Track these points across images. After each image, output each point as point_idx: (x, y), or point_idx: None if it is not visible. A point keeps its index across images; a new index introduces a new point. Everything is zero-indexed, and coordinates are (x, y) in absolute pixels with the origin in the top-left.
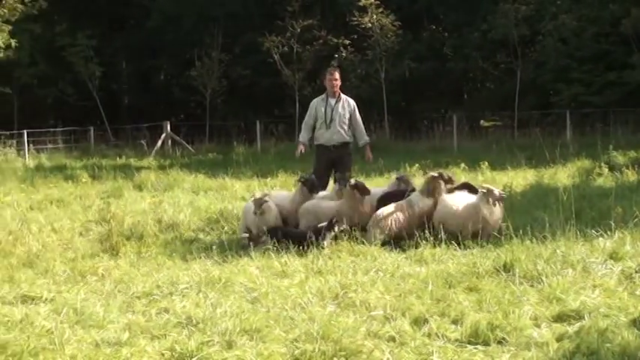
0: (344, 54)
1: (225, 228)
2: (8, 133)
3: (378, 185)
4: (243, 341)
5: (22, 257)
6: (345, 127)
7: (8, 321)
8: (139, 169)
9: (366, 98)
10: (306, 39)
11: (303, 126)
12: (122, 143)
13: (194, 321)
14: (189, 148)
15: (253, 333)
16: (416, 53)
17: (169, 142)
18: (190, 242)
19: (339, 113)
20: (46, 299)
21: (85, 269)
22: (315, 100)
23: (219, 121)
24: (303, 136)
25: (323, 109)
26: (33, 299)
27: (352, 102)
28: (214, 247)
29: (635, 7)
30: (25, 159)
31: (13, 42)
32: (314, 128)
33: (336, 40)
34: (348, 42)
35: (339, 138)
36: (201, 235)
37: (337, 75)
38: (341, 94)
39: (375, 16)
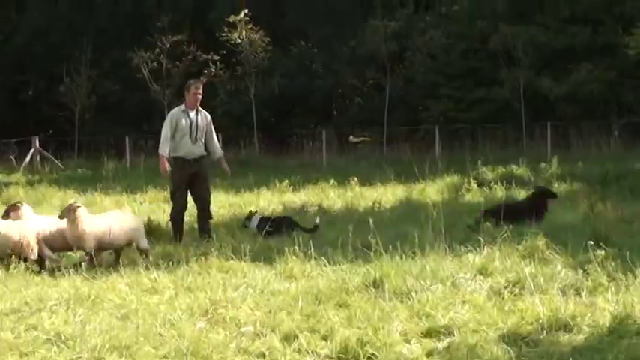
0: (213, 70)
1: None
2: None
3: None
4: (113, 358)
5: None
6: (203, 140)
7: None
8: (7, 184)
9: (235, 114)
10: (175, 54)
11: (162, 138)
12: None
13: (63, 337)
14: (58, 163)
15: (123, 349)
16: (286, 69)
17: (38, 157)
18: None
19: (201, 126)
20: None
21: None
22: (173, 112)
23: (88, 137)
24: (164, 150)
25: (184, 122)
26: None
27: (208, 115)
28: (83, 263)
29: (504, 23)
30: None
31: None
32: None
33: (205, 56)
34: (217, 58)
35: (200, 151)
36: (70, 251)
37: (200, 88)
38: (199, 107)
39: (244, 32)
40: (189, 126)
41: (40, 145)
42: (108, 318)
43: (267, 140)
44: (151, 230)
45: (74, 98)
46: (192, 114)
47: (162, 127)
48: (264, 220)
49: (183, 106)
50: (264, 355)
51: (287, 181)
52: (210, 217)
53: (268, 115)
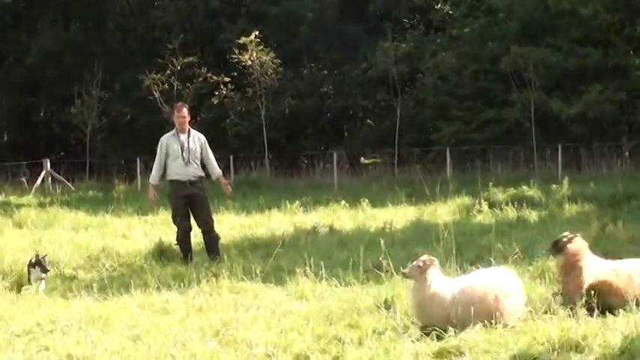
0: (224, 91)
1: (106, 265)
2: None
3: (259, 223)
4: None
5: None
6: (198, 162)
7: None
8: (18, 206)
9: (246, 135)
10: (186, 76)
11: (154, 165)
12: (1, 180)
13: (75, 358)
14: (70, 185)
15: None
16: (296, 91)
17: (49, 179)
18: (71, 279)
19: (192, 148)
20: None
21: None
22: (164, 137)
23: (99, 159)
24: (154, 176)
25: (175, 146)
26: None
27: (202, 137)
28: (95, 284)
29: (514, 44)
30: None
31: None
32: (165, 166)
33: (216, 78)
34: (228, 79)
35: (195, 173)
36: (81, 273)
37: (185, 111)
38: (190, 129)
39: (255, 54)
40: (180, 149)
41: (51, 167)
42: (119, 339)
43: (277, 161)
44: (162, 251)
45: (85, 120)
46: (182, 137)
47: None
48: None
49: (174, 131)
50: None
51: (298, 202)
52: (217, 237)
53: (279, 136)
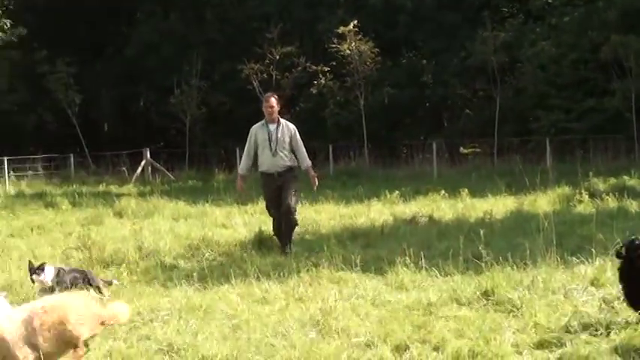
0: (323, 81)
1: (206, 255)
2: None
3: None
4: None
5: (2, 284)
6: (287, 152)
7: None
8: (119, 195)
9: (345, 125)
10: (285, 66)
11: (244, 155)
12: (102, 170)
13: (175, 347)
14: (169, 175)
15: None
16: (395, 80)
17: (149, 168)
18: (171, 269)
19: (278, 139)
20: None
21: None
22: (254, 127)
23: (199, 148)
24: (242, 167)
25: (264, 136)
26: None
27: (292, 126)
28: (195, 273)
29: (614, 33)
30: (5, 186)
31: None
32: (256, 155)
33: (315, 67)
34: (327, 69)
35: (283, 163)
36: (181, 262)
37: (273, 101)
38: (280, 119)
39: (353, 43)
40: (268, 139)
41: (151, 157)
42: (219, 328)
43: (377, 151)
44: (262, 241)
45: (184, 110)
46: (272, 127)
47: None
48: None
49: (263, 121)
50: None
51: (397, 192)
52: (293, 223)
53: (378, 126)
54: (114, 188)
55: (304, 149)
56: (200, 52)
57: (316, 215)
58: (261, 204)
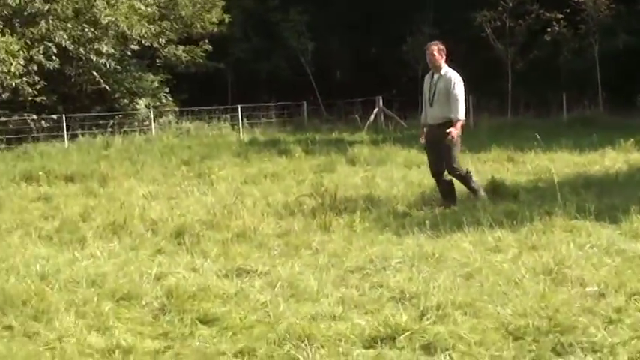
0: (557, 28)
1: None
2: (222, 108)
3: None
4: (457, 316)
5: (236, 231)
6: (442, 104)
7: (223, 294)
8: (351, 143)
9: (579, 73)
10: (518, 13)
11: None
12: (334, 118)
13: (407, 295)
14: (402, 122)
15: (466, 308)
16: (630, 27)
17: (382, 116)
18: (403, 217)
19: (439, 89)
20: (260, 273)
21: (299, 243)
22: (426, 76)
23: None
24: (422, 117)
25: (426, 86)
26: (247, 272)
27: (453, 76)
28: (427, 221)
29: None
30: (240, 133)
31: (226, 17)
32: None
33: (548, 14)
34: (560, 16)
35: (437, 115)
36: (414, 210)
37: (432, 49)
38: (444, 68)
39: None
40: (428, 89)
41: (383, 104)
42: (451, 276)
43: (611, 99)
44: (494, 188)
45: (417, 58)
46: (435, 76)
47: (505, 86)
48: None
49: (431, 71)
50: (608, 316)
51: (632, 140)
52: (445, 184)
53: (612, 74)
54: (346, 136)
55: (458, 102)
56: (432, 0)
57: (549, 163)
58: (494, 152)
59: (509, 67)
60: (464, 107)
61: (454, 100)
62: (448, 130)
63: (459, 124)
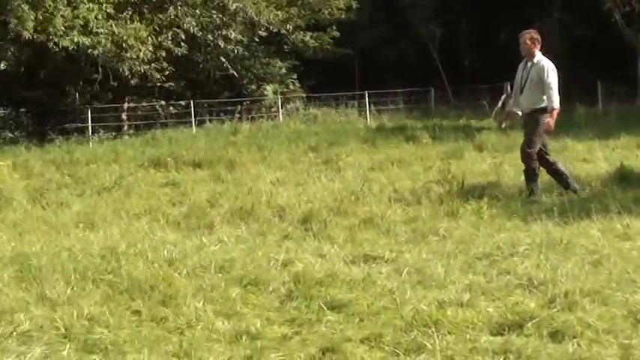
0: None
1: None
2: (350, 94)
3: None
4: (585, 303)
5: (363, 217)
6: (533, 92)
7: (350, 280)
8: (479, 129)
9: None
10: None
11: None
12: (462, 104)
13: (535, 282)
14: None
15: (595, 295)
16: None
17: (510, 103)
18: (531, 203)
19: (531, 77)
20: (387, 259)
21: (426, 229)
22: (520, 64)
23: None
24: (511, 102)
25: (520, 73)
26: (374, 259)
27: (546, 64)
28: (555, 208)
29: None
30: (367, 119)
31: (353, 3)
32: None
33: None
34: None
35: (530, 104)
36: (544, 196)
37: (525, 37)
38: (538, 56)
39: None
40: (520, 76)
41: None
42: (580, 263)
43: None
44: (624, 176)
45: (545, 44)
46: (528, 65)
47: (634, 72)
48: None
49: (525, 59)
50: None
51: None
52: (526, 173)
53: None
54: (474, 122)
55: (552, 91)
56: None
57: None
58: (623, 139)
59: (639, 54)
60: (558, 95)
61: (548, 88)
62: (546, 120)
63: (554, 113)
